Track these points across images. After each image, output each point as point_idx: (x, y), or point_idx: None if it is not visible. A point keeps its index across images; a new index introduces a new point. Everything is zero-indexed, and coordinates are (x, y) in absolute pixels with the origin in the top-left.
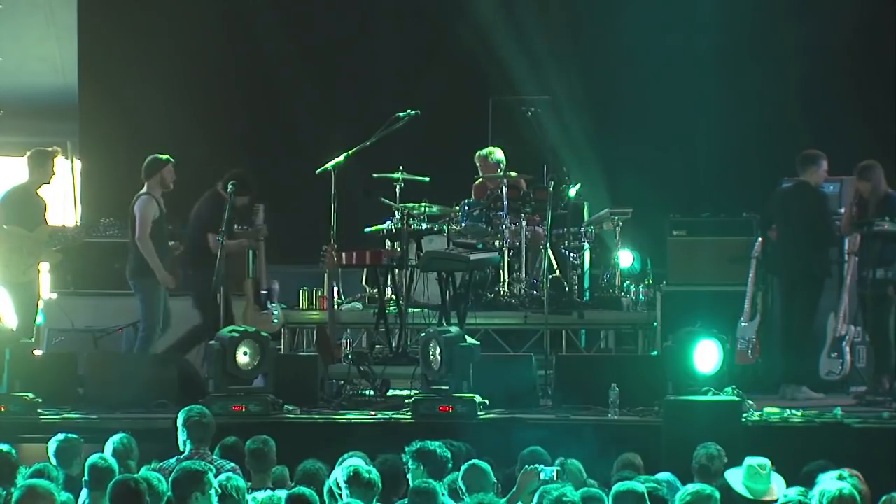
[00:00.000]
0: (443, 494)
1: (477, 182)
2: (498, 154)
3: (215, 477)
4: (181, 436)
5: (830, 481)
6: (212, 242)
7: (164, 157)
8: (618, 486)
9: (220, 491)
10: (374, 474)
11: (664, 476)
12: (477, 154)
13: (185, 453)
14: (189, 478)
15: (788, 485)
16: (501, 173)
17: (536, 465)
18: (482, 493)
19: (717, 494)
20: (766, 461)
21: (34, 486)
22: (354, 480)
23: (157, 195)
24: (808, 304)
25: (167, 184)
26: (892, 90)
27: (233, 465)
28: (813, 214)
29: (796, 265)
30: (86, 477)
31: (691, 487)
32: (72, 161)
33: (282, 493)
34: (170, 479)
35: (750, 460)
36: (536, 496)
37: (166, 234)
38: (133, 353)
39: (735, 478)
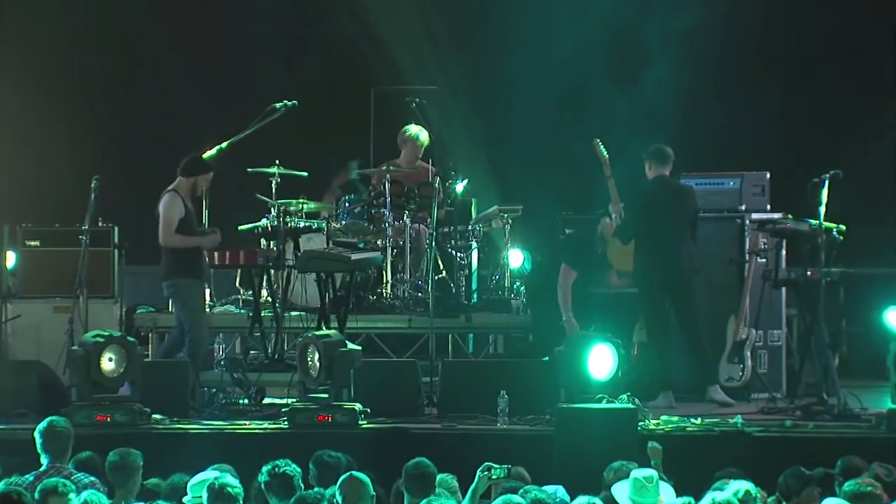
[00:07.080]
0: None
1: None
2: (424, 136)
3: (77, 493)
4: (38, 449)
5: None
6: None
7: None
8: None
9: None
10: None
11: (553, 489)
12: (406, 133)
13: (43, 467)
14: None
15: (696, 496)
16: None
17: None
18: None
19: None
20: (653, 473)
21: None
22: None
23: (185, 195)
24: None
25: (198, 191)
26: (786, 84)
27: (92, 479)
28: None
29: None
30: None
31: (581, 500)
32: None
33: None
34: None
35: (636, 473)
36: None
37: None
38: None
39: (621, 492)
